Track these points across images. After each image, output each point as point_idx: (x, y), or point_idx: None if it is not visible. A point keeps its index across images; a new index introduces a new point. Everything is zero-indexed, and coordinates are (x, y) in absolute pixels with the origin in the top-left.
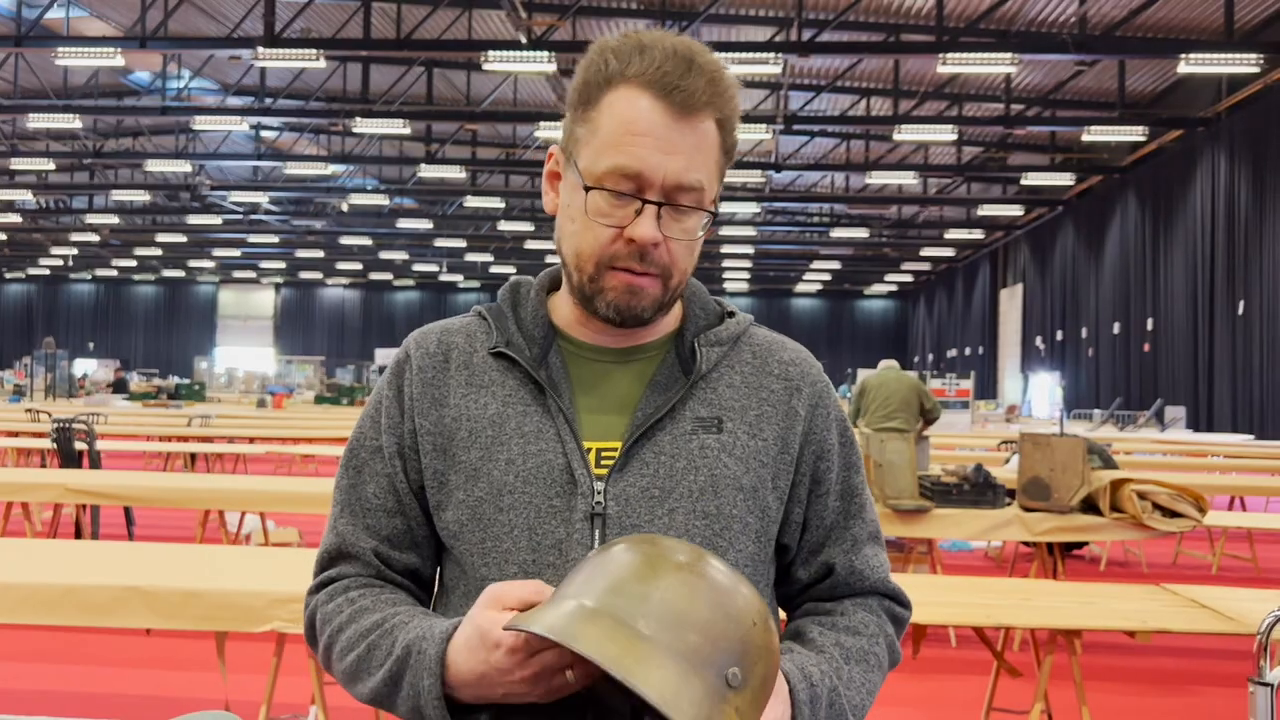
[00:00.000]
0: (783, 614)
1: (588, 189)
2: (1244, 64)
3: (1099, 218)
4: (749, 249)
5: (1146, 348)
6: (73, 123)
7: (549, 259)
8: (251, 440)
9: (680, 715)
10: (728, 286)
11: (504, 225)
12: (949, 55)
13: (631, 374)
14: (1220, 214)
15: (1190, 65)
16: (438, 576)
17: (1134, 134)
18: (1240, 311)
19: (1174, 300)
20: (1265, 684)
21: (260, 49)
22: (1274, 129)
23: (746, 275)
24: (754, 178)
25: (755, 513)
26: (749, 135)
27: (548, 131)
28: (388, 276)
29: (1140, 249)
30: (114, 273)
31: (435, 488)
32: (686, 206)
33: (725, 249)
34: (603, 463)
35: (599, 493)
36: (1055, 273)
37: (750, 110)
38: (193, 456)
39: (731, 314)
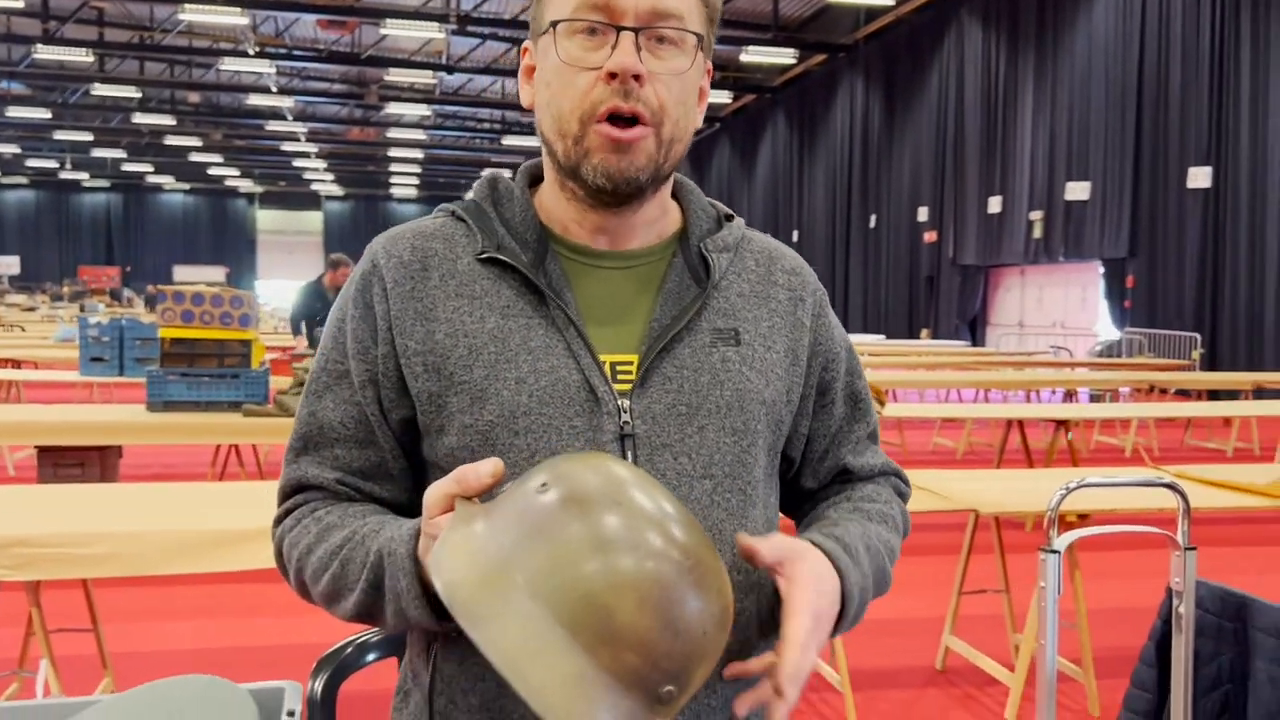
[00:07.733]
0: (783, 519)
1: (555, 24)
2: None
3: (752, 135)
4: (419, 153)
5: None
6: None
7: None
8: None
9: None
10: (395, 193)
11: (140, 118)
12: None
13: (635, 280)
14: (857, 135)
15: None
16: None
17: (785, 56)
18: (872, 225)
19: (817, 214)
20: (1054, 551)
21: None
22: (904, 57)
23: (416, 182)
24: (424, 78)
25: (772, 426)
26: (419, 33)
27: (192, 15)
28: None
29: (788, 166)
30: None
31: (432, 412)
32: (668, 32)
33: (393, 153)
34: (619, 378)
35: (625, 410)
36: (712, 186)
37: (420, 7)
38: None
39: (730, 217)
